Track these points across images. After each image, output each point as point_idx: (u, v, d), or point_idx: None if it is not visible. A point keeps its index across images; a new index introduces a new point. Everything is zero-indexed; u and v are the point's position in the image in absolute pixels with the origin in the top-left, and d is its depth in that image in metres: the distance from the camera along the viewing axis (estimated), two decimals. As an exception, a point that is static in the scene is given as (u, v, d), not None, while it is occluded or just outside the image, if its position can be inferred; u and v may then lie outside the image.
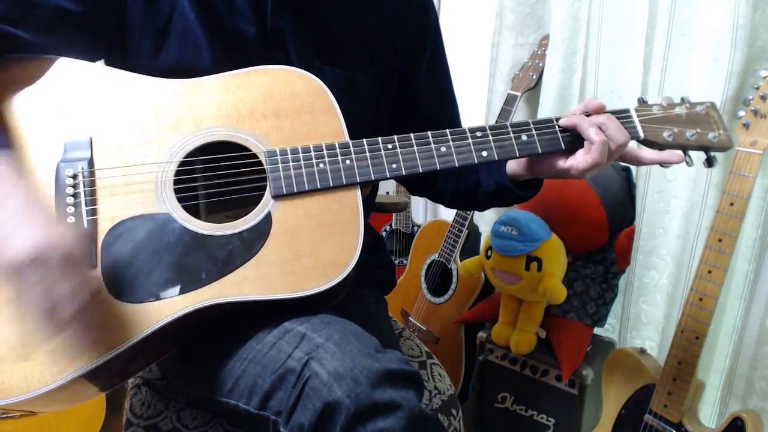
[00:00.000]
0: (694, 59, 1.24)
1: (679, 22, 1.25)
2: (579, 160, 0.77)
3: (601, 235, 1.32)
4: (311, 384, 0.60)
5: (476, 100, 1.80)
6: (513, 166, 0.87)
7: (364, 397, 0.59)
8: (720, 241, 1.02)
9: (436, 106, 0.99)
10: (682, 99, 0.85)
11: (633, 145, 0.83)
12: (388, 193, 2.13)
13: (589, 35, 1.43)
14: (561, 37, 1.44)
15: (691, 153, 0.83)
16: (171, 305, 0.65)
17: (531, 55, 1.55)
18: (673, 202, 1.33)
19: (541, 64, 1.50)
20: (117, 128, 0.71)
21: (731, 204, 1.01)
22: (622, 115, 0.81)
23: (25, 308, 0.56)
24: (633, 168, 1.37)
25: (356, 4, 0.87)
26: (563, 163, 0.79)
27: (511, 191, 0.89)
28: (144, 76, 0.75)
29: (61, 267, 0.56)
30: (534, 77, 1.51)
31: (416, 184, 1.06)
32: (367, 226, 1.03)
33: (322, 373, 0.60)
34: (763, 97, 0.99)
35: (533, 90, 1.52)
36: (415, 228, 2.06)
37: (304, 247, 0.69)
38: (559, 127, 0.79)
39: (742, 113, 1.01)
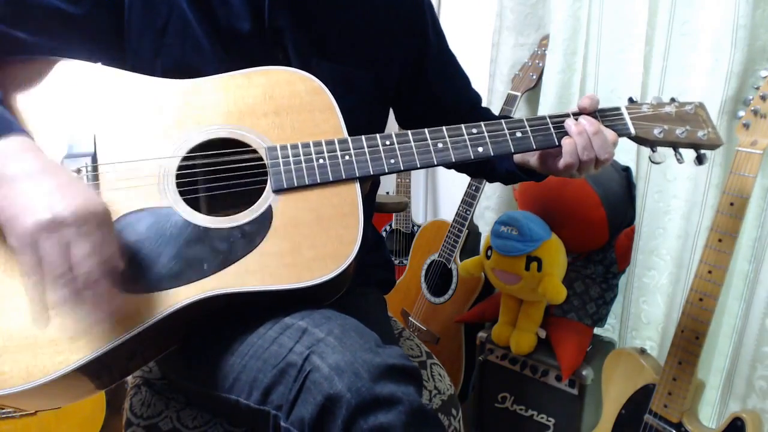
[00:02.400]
0: (694, 59, 1.24)
1: (679, 22, 1.26)
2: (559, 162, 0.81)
3: (601, 235, 1.32)
4: (312, 377, 0.60)
5: (476, 100, 1.80)
6: (525, 158, 0.89)
7: (365, 391, 0.59)
8: (720, 241, 1.02)
9: (454, 92, 1.02)
10: (672, 99, 0.87)
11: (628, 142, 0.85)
12: (388, 193, 2.13)
13: (589, 35, 1.43)
14: (561, 37, 1.44)
15: (682, 151, 0.86)
16: (173, 296, 0.65)
17: (531, 55, 1.55)
18: (673, 202, 1.33)
19: (541, 64, 1.50)
20: (120, 126, 0.72)
21: (731, 204, 1.01)
22: (613, 113, 0.84)
23: (44, 273, 0.56)
24: (633, 168, 1.37)
25: (352, 0, 0.87)
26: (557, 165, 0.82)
27: (519, 177, 0.93)
28: (146, 75, 0.75)
29: (78, 228, 0.56)
30: (534, 77, 1.51)
31: None
32: (368, 225, 1.03)
33: (323, 367, 0.60)
34: (763, 97, 0.99)
35: (533, 90, 1.52)
36: (415, 228, 2.06)
37: (305, 240, 0.70)
38: (552, 124, 0.81)
39: (742, 113, 1.02)
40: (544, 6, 1.53)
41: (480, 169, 1.02)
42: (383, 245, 1.09)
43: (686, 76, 1.26)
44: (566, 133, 0.81)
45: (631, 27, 1.34)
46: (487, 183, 1.64)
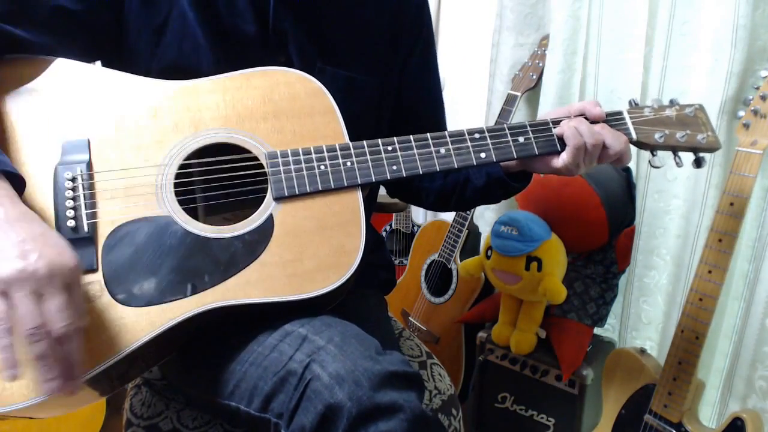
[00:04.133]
0: (694, 59, 1.24)
1: (679, 22, 1.25)
2: (558, 160, 0.80)
3: (601, 235, 1.32)
4: (312, 386, 0.60)
5: (476, 100, 1.80)
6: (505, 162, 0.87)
7: (365, 400, 0.58)
8: (720, 241, 1.02)
9: (422, 104, 0.98)
10: (671, 101, 0.87)
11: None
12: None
13: (589, 35, 1.43)
14: (561, 37, 1.44)
15: (681, 154, 0.86)
16: (174, 309, 0.64)
17: (531, 55, 1.55)
18: (673, 202, 1.33)
19: (541, 64, 1.50)
20: (115, 130, 0.71)
21: (731, 204, 1.01)
22: (615, 118, 0.84)
23: (16, 325, 0.54)
24: (633, 168, 1.37)
25: (356, 4, 0.87)
26: (554, 163, 0.81)
27: (503, 183, 0.89)
28: (142, 77, 0.74)
29: (51, 280, 0.54)
30: (534, 77, 1.51)
31: (399, 184, 1.05)
32: (368, 226, 1.03)
33: (323, 376, 0.60)
34: (763, 97, 0.99)
35: (533, 90, 1.52)
36: (415, 228, 2.06)
37: (307, 249, 0.69)
38: (555, 128, 0.81)
39: (742, 113, 1.01)
40: (544, 6, 1.53)
41: (448, 188, 0.98)
42: (383, 246, 1.08)
43: (686, 76, 1.26)
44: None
45: (631, 27, 1.34)
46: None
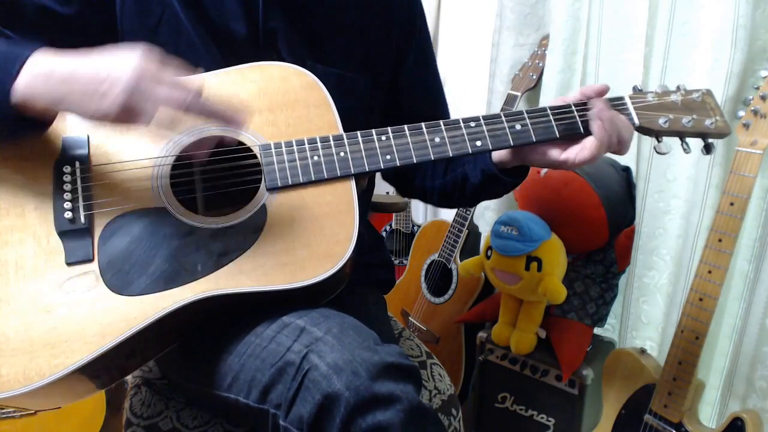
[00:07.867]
0: (694, 59, 1.24)
1: (679, 22, 1.26)
2: (577, 154, 0.77)
3: (601, 235, 1.32)
4: (310, 376, 0.60)
5: (476, 100, 1.80)
6: (500, 155, 0.85)
7: (363, 390, 0.59)
8: (720, 241, 1.02)
9: (423, 101, 0.98)
10: (678, 87, 0.84)
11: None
12: (387, 193, 2.13)
13: (589, 35, 1.43)
14: (561, 37, 1.44)
15: (688, 140, 0.83)
16: (168, 297, 0.65)
17: (531, 55, 1.55)
18: (673, 202, 1.33)
19: (541, 64, 1.50)
20: (113, 127, 0.71)
21: (731, 204, 1.01)
22: (616, 103, 0.81)
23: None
24: (633, 168, 1.37)
25: (346, 2, 0.87)
26: (558, 155, 0.79)
27: (496, 178, 0.87)
28: None
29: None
30: (534, 77, 1.51)
31: (404, 183, 1.05)
32: (368, 225, 1.03)
33: (321, 366, 0.60)
34: (763, 97, 0.99)
35: (533, 90, 1.52)
36: (415, 228, 2.06)
37: (299, 239, 0.70)
38: (552, 115, 0.79)
39: (742, 113, 1.01)
40: (544, 6, 1.53)
41: (449, 187, 0.96)
42: (383, 245, 1.08)
43: (686, 76, 1.26)
44: (568, 125, 0.78)
45: (631, 27, 1.34)
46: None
